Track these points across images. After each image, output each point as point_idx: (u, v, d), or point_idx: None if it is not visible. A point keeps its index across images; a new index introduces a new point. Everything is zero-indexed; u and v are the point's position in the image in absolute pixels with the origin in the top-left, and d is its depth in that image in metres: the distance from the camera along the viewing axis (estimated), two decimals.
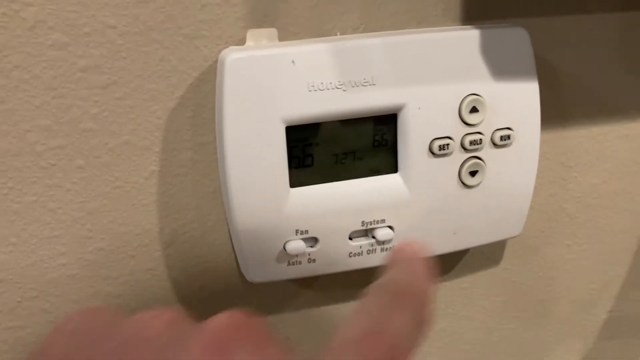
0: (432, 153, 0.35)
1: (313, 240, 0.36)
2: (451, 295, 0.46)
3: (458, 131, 0.36)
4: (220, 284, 0.40)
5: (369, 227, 0.36)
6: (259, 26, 0.35)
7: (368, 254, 0.37)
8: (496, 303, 0.47)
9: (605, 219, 0.47)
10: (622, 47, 0.42)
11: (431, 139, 0.35)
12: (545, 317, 0.49)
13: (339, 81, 0.33)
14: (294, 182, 0.35)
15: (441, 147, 0.35)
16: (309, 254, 0.36)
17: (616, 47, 0.42)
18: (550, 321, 0.50)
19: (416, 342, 0.24)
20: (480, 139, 0.36)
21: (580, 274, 0.48)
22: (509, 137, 0.36)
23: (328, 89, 0.33)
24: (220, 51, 0.34)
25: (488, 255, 0.45)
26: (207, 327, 0.22)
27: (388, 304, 0.24)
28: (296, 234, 0.35)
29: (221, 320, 0.22)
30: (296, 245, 0.35)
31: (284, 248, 0.35)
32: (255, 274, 0.36)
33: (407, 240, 0.29)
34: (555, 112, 0.42)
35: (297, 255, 0.35)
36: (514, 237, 0.40)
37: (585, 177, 0.45)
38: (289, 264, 0.36)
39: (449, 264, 0.45)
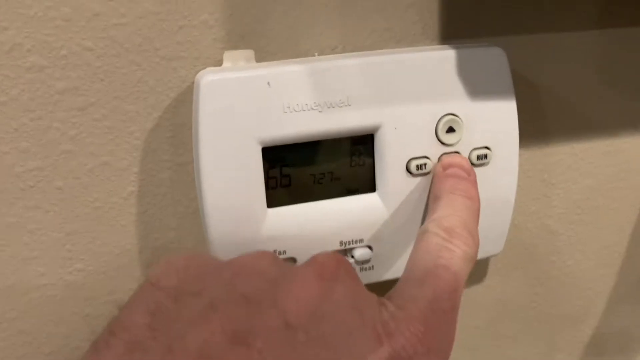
0: (410, 172, 0.36)
1: (291, 261, 0.36)
2: None
3: (435, 150, 0.36)
4: None
5: (348, 247, 0.36)
6: (236, 47, 0.35)
7: None
8: (481, 321, 0.47)
9: (589, 235, 0.47)
10: (601, 64, 0.42)
11: (408, 159, 0.35)
12: (531, 334, 0.49)
13: (315, 102, 0.33)
14: (272, 203, 0.35)
15: (418, 167, 0.35)
16: None
17: (595, 63, 0.42)
18: (536, 338, 0.50)
19: (469, 270, 0.29)
20: None
21: (565, 290, 0.48)
22: (486, 156, 0.36)
23: (304, 110, 0.33)
24: (197, 72, 0.34)
25: (471, 272, 0.45)
26: (316, 261, 0.25)
27: (443, 242, 0.29)
28: None
29: (325, 256, 0.25)
30: None
31: None
32: None
33: (452, 157, 0.35)
34: (536, 129, 0.43)
35: None
36: (494, 255, 0.40)
37: (568, 193, 0.45)
38: None
39: None
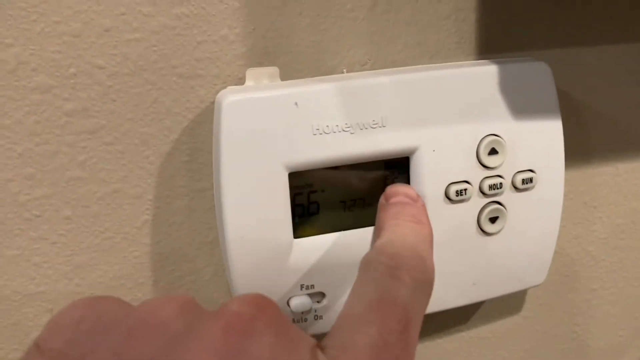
0: (449, 198, 0.33)
1: (320, 296, 0.33)
2: (469, 346, 0.43)
3: (476, 175, 0.33)
4: None
5: None
6: (260, 64, 0.32)
7: None
8: (518, 352, 0.44)
9: (633, 261, 0.44)
10: None
11: (447, 184, 0.32)
12: None
13: (346, 123, 0.30)
14: (298, 233, 0.32)
15: (458, 193, 0.32)
16: (315, 310, 0.33)
17: None
18: None
19: (426, 303, 0.24)
20: (501, 183, 0.33)
21: (608, 320, 0.45)
22: (531, 179, 0.34)
23: (334, 132, 0.30)
24: (217, 91, 0.32)
25: (508, 302, 0.42)
26: (227, 309, 0.20)
27: (387, 272, 0.24)
28: (301, 289, 0.32)
29: (240, 301, 0.21)
30: (301, 301, 0.32)
31: (288, 304, 0.32)
32: None
33: (396, 187, 0.31)
34: (578, 148, 0.40)
35: (302, 313, 0.32)
36: (537, 285, 0.37)
37: (611, 217, 0.42)
38: (293, 321, 0.33)
39: (466, 313, 0.42)
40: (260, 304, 0.21)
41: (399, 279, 0.24)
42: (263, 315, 0.20)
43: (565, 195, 0.40)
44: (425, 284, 0.25)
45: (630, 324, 0.46)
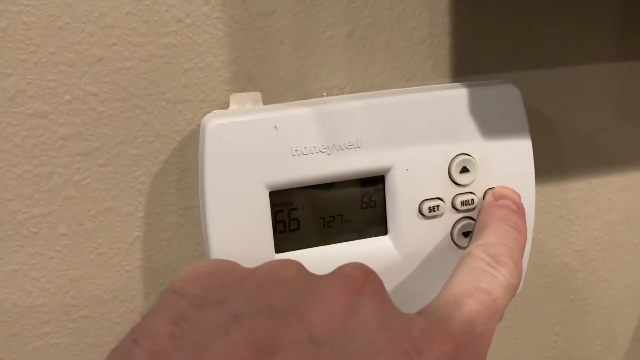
0: (422, 214, 0.34)
1: None
2: None
3: (448, 192, 0.35)
4: None
5: None
6: (243, 89, 0.34)
7: None
8: None
9: (609, 272, 0.46)
10: (617, 98, 0.41)
11: (421, 200, 0.34)
12: None
13: (323, 145, 0.32)
14: (280, 247, 0.34)
15: (431, 209, 0.34)
16: None
17: (611, 97, 0.41)
18: None
19: (507, 303, 0.27)
20: (472, 199, 0.35)
21: (586, 329, 0.47)
22: None
23: (312, 153, 0.32)
24: (204, 115, 0.34)
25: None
26: (341, 271, 0.24)
27: (486, 267, 0.27)
28: None
29: (352, 267, 0.24)
30: None
31: None
32: None
33: (505, 190, 0.34)
34: (553, 165, 0.41)
35: None
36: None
37: (587, 230, 0.44)
38: None
39: None
40: (368, 270, 0.24)
41: (494, 277, 0.27)
42: (372, 280, 0.24)
43: (542, 209, 0.42)
44: (513, 287, 0.28)
45: (608, 334, 0.47)
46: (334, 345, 0.21)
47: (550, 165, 0.41)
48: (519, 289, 0.28)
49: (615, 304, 0.47)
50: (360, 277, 0.23)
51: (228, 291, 0.23)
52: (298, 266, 0.25)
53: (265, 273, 0.24)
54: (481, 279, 0.27)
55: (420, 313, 0.25)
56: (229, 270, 0.24)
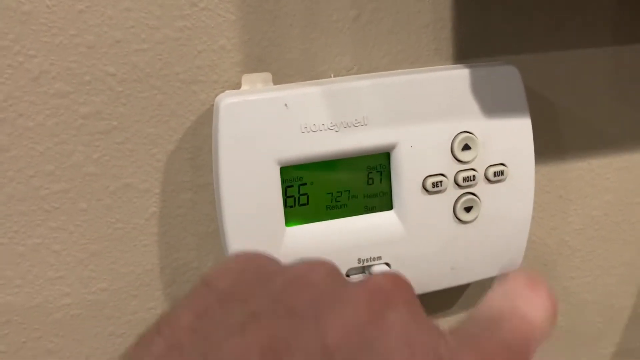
0: (426, 190, 0.36)
1: None
2: None
3: (451, 168, 0.36)
4: None
5: (366, 264, 0.36)
6: (254, 70, 0.36)
7: None
8: None
9: (608, 251, 0.47)
10: (615, 81, 0.42)
11: (424, 177, 0.36)
12: (551, 351, 0.49)
13: (331, 122, 0.34)
14: (290, 221, 0.35)
15: (435, 184, 0.36)
16: None
17: (609, 80, 0.42)
18: (556, 354, 0.49)
19: (549, 332, 0.25)
20: (474, 176, 0.36)
21: (585, 307, 0.48)
22: (502, 172, 0.37)
23: (321, 130, 0.34)
24: (217, 95, 0.35)
25: (490, 289, 0.45)
26: (370, 281, 0.23)
27: (526, 292, 0.25)
28: None
29: (382, 277, 0.23)
30: None
31: None
32: None
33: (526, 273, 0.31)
34: (553, 145, 0.43)
35: None
36: (515, 270, 0.40)
37: (586, 209, 0.45)
38: None
39: (450, 298, 0.45)
40: (398, 281, 0.23)
41: (533, 302, 0.25)
42: (401, 292, 0.23)
43: (542, 189, 0.44)
44: (551, 315, 0.26)
45: (606, 312, 0.49)
46: (346, 357, 0.20)
47: (550, 146, 0.43)
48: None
49: (614, 282, 0.48)
50: (389, 288, 0.23)
51: (255, 289, 0.23)
52: (329, 268, 0.24)
53: (294, 273, 0.23)
54: (520, 302, 0.25)
55: (453, 332, 0.23)
56: (261, 267, 0.24)
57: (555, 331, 0.48)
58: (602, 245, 0.47)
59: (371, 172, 0.36)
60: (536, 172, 0.41)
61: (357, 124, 0.34)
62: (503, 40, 0.40)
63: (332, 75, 0.37)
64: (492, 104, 0.36)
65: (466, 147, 0.36)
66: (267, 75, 0.35)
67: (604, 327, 0.49)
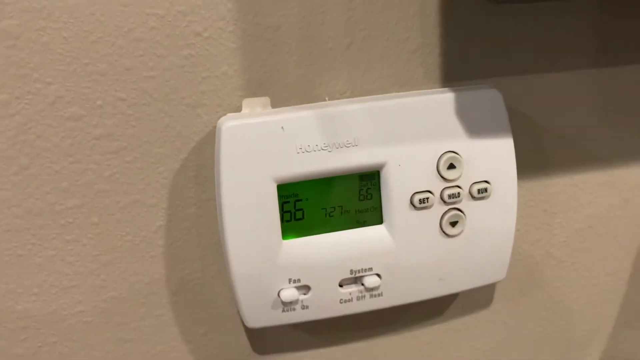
0: (414, 206, 0.38)
1: (305, 288, 0.39)
2: (444, 337, 0.48)
3: (437, 186, 0.39)
4: (223, 328, 0.43)
5: (358, 275, 0.39)
6: (254, 94, 0.39)
7: (358, 300, 0.39)
8: (490, 344, 0.50)
9: (592, 262, 0.49)
10: (596, 101, 0.45)
11: (412, 193, 0.38)
12: (538, 358, 0.51)
13: (325, 143, 0.37)
14: (287, 234, 0.38)
15: (421, 201, 0.38)
16: (302, 301, 0.39)
17: (590, 100, 0.45)
18: None
19: None
20: (459, 192, 0.39)
21: (571, 315, 0.50)
22: (486, 189, 0.39)
23: (315, 151, 0.37)
24: (219, 118, 0.38)
25: (478, 298, 0.48)
26: None
27: None
28: (289, 283, 0.38)
29: None
30: (290, 293, 0.38)
31: (279, 296, 0.38)
32: (253, 320, 0.39)
33: None
34: (537, 162, 0.45)
35: (291, 302, 0.38)
36: (500, 280, 0.43)
37: (570, 222, 0.48)
38: (284, 310, 0.39)
39: (440, 307, 0.47)
40: None
41: None
42: None
43: (526, 203, 0.46)
44: None
45: (592, 319, 0.51)
46: None
47: (534, 163, 0.45)
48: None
49: (598, 292, 0.50)
50: None
51: None
52: None
53: None
54: None
55: None
56: None
57: (542, 337, 0.51)
58: (586, 257, 0.49)
59: (362, 189, 0.39)
60: (521, 187, 0.43)
61: (349, 145, 0.37)
62: (489, 63, 0.42)
63: (326, 98, 0.40)
64: (476, 125, 0.39)
65: (451, 166, 0.38)
66: (266, 100, 0.38)
67: (590, 334, 0.51)
